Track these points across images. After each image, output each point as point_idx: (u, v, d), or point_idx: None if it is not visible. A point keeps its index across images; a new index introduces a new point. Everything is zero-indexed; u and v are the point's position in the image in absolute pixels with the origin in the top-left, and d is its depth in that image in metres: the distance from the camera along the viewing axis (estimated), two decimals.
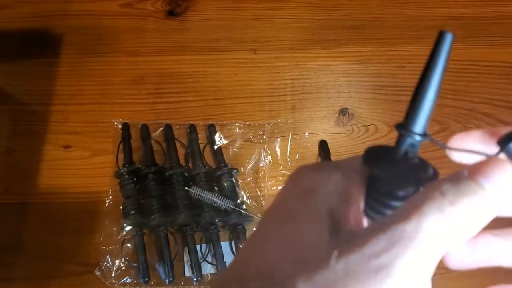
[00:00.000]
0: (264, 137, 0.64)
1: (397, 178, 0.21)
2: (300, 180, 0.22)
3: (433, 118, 0.66)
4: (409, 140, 0.21)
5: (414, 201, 0.18)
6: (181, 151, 0.63)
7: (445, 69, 0.20)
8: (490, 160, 0.19)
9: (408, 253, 0.17)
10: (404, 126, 0.20)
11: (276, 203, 0.22)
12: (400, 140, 0.21)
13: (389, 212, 0.21)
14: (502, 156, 0.20)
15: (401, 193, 0.21)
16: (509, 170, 0.19)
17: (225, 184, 0.60)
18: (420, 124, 0.20)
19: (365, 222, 0.22)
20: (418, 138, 0.20)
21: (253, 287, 0.18)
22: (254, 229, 0.21)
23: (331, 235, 0.19)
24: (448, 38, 0.20)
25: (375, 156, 0.22)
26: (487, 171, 0.18)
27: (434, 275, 0.62)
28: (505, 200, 0.19)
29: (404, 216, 0.18)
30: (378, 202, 0.21)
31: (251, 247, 0.21)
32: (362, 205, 0.22)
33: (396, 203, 0.21)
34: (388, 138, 0.65)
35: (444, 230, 0.18)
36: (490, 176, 0.18)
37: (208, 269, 0.58)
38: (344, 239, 0.19)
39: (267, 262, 0.19)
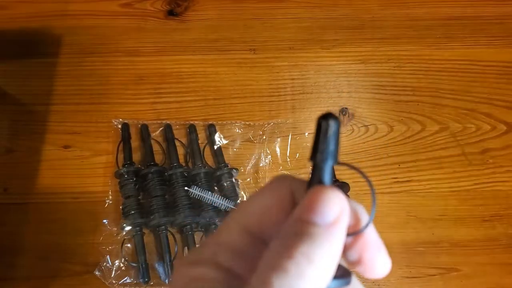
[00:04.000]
0: (264, 137, 0.64)
1: None
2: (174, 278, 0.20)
3: (432, 118, 0.66)
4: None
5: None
6: (181, 151, 0.63)
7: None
8: (314, 194, 0.18)
9: None
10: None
11: None
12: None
13: None
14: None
15: None
16: (333, 194, 0.18)
17: (225, 184, 0.60)
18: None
19: None
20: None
21: None
22: None
23: None
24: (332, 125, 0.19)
25: None
26: (312, 206, 0.17)
27: (434, 275, 0.62)
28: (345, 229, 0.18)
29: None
30: None
31: None
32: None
33: None
34: (388, 138, 0.65)
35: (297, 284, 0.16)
36: (317, 209, 0.17)
37: None
38: None
39: None
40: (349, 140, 0.65)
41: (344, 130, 0.66)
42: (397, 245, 0.60)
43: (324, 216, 0.17)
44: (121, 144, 0.62)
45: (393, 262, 0.65)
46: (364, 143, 0.65)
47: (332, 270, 0.17)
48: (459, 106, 0.67)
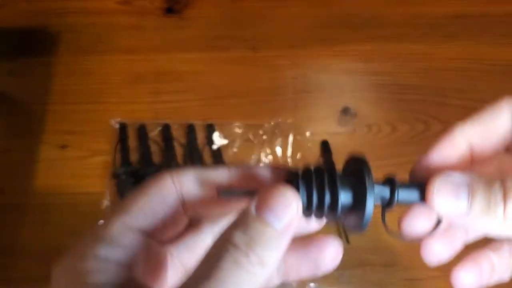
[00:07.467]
0: (264, 137, 0.64)
1: None
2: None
3: (436, 118, 0.65)
4: None
5: (212, 257, 0.18)
6: (180, 152, 0.63)
7: None
8: (273, 190, 0.19)
9: None
10: None
11: None
12: None
13: None
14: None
15: None
16: (292, 197, 0.19)
17: None
18: None
19: None
20: None
21: None
22: None
23: None
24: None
25: None
26: (273, 205, 0.19)
27: (434, 275, 0.60)
28: (295, 227, 0.19)
29: (204, 276, 0.17)
30: None
31: None
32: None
33: None
34: (391, 138, 0.64)
35: (247, 280, 0.17)
36: (277, 211, 0.18)
37: None
38: None
39: None
40: (351, 140, 0.64)
41: (346, 129, 0.65)
42: (397, 245, 0.59)
43: (281, 220, 0.19)
44: (119, 144, 0.62)
45: (393, 263, 0.63)
46: (366, 143, 0.64)
47: (275, 265, 0.19)
48: (463, 105, 0.66)
